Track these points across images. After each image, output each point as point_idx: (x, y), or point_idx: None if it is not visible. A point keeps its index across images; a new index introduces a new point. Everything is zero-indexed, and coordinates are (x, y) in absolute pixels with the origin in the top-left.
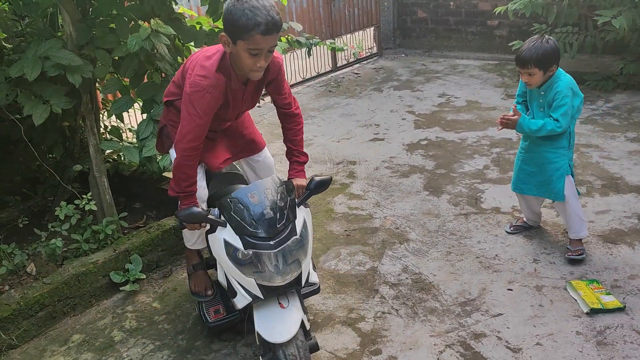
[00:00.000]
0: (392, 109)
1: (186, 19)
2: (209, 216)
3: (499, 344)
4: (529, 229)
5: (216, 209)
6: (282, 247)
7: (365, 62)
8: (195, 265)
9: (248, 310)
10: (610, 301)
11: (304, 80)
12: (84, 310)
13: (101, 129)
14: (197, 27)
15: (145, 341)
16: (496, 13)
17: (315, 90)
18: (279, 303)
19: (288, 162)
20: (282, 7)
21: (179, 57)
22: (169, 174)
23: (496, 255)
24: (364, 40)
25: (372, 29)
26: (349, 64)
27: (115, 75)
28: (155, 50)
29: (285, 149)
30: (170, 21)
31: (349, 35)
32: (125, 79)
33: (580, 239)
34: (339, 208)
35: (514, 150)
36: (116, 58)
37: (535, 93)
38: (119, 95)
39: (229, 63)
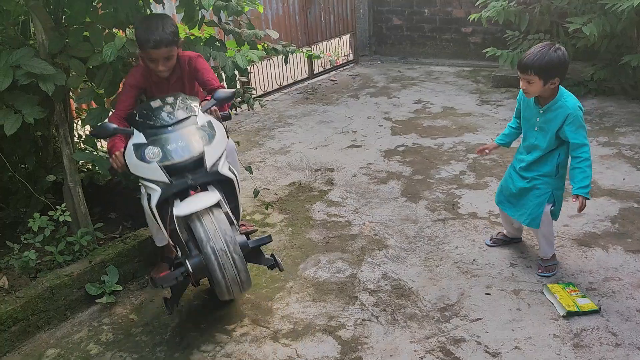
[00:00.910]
0: (369, 115)
1: None
2: (115, 127)
3: (478, 348)
4: (509, 242)
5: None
6: (178, 130)
7: (341, 69)
8: (166, 257)
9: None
10: (586, 304)
11: (281, 88)
12: (59, 323)
13: (75, 138)
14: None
15: (122, 354)
16: (470, 20)
17: (292, 97)
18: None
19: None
20: (258, 14)
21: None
22: None
23: (474, 260)
24: (340, 47)
25: (348, 36)
26: (325, 71)
27: (89, 84)
28: (132, 59)
29: None
30: None
31: (325, 43)
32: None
33: (549, 257)
34: (318, 215)
35: (490, 156)
36: (90, 67)
37: (533, 110)
38: (94, 105)
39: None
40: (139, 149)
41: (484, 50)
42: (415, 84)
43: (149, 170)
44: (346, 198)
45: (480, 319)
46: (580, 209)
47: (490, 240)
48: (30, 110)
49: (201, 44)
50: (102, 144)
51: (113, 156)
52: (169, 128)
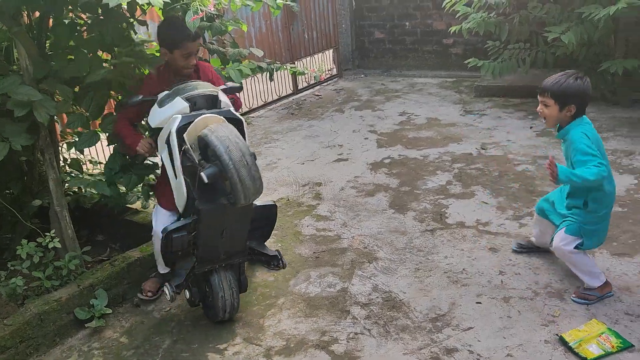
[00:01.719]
0: (354, 129)
1: (146, 48)
2: (142, 97)
3: (470, 357)
4: (536, 251)
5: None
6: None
7: (325, 83)
8: (161, 274)
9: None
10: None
11: (266, 104)
12: (48, 350)
13: (60, 162)
14: (157, 54)
15: None
16: (451, 32)
17: (277, 113)
18: None
19: None
20: (241, 33)
21: None
22: (133, 206)
23: (463, 269)
24: (323, 62)
25: (331, 51)
26: (309, 86)
27: (76, 108)
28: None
29: None
30: (132, 51)
31: (308, 58)
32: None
33: (594, 287)
34: (307, 230)
35: (475, 166)
36: (76, 90)
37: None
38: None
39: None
40: (162, 100)
41: (466, 61)
42: (399, 96)
43: (172, 107)
44: (335, 212)
45: (471, 328)
46: (548, 166)
47: (516, 245)
48: (18, 137)
49: None
50: (88, 166)
51: (140, 143)
52: (191, 85)
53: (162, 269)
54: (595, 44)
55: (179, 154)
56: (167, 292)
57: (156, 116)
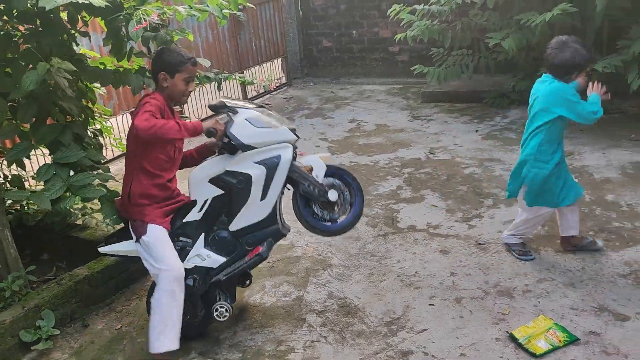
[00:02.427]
0: (305, 137)
1: (89, 60)
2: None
3: (425, 359)
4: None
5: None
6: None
7: (275, 92)
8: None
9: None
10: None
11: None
12: None
13: (1, 179)
14: (102, 67)
15: None
16: (396, 40)
17: None
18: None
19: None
20: (188, 43)
21: (83, 100)
22: (78, 221)
23: (416, 272)
24: (272, 71)
25: (279, 59)
26: (259, 95)
27: (13, 121)
28: (59, 91)
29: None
30: (72, 62)
31: (257, 67)
32: (25, 124)
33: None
34: None
35: (424, 170)
36: (12, 102)
37: None
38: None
39: (165, 101)
40: (254, 120)
41: (412, 68)
42: (349, 103)
43: (278, 134)
44: (288, 220)
45: (425, 329)
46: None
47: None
48: None
49: (133, 73)
50: (31, 182)
51: (214, 122)
52: (275, 114)
53: (175, 342)
54: (534, 48)
55: (283, 180)
56: (224, 311)
57: (250, 134)
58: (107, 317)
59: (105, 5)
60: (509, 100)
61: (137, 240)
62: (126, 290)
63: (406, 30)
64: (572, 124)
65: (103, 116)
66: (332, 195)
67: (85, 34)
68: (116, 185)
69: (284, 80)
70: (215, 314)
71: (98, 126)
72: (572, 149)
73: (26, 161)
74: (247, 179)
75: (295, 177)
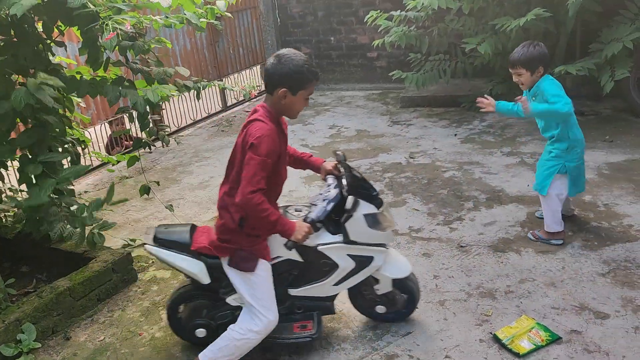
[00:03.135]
0: None
1: (65, 69)
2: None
3: None
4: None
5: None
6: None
7: (255, 99)
8: None
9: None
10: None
11: (195, 122)
12: None
13: None
14: (78, 76)
15: None
16: (374, 46)
17: (207, 131)
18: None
19: (305, 164)
20: (165, 51)
21: (60, 109)
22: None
23: None
24: (252, 78)
25: (258, 66)
26: (239, 103)
27: None
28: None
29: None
30: (49, 72)
31: (236, 75)
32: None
33: (551, 232)
34: None
35: (405, 174)
36: None
37: (529, 99)
38: None
39: (276, 115)
40: (370, 217)
41: (390, 74)
42: (328, 109)
43: (383, 237)
44: None
45: (410, 332)
46: (523, 101)
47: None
48: None
49: (109, 84)
50: (8, 193)
51: (298, 228)
52: (379, 201)
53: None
54: (509, 53)
55: (362, 280)
56: None
57: (361, 232)
58: (89, 329)
59: (83, 12)
60: None
61: (233, 266)
62: (109, 301)
63: (384, 36)
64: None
65: (81, 126)
66: (379, 310)
67: (61, 44)
68: (94, 195)
69: (263, 87)
70: None
71: (76, 135)
72: None
73: (4, 174)
74: (332, 266)
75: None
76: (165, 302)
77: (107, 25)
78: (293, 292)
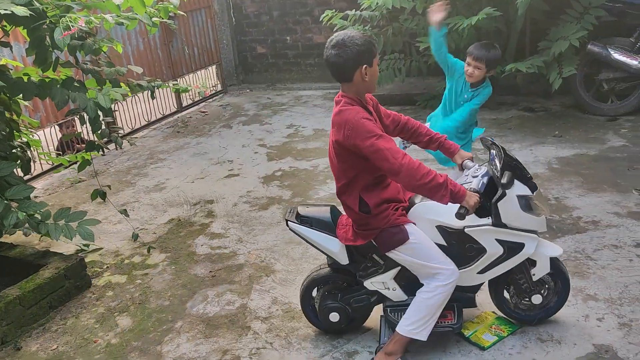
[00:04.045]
0: (243, 143)
1: (11, 71)
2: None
3: (371, 357)
4: None
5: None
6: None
7: (211, 99)
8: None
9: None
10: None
11: (149, 124)
12: None
13: None
14: (25, 78)
15: None
16: None
17: (162, 132)
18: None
19: (439, 146)
20: (117, 53)
21: (6, 112)
22: (8, 239)
23: None
24: (207, 78)
25: (214, 66)
26: (194, 103)
27: None
28: None
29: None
30: None
31: (191, 75)
32: None
33: None
34: (201, 249)
35: None
36: None
37: (463, 90)
38: None
39: (359, 98)
40: (523, 199)
41: None
42: (286, 109)
43: (535, 222)
44: (229, 228)
45: (370, 329)
46: None
47: None
48: None
49: (58, 86)
50: None
51: (476, 200)
52: (533, 184)
53: (426, 336)
54: (462, 51)
55: (510, 268)
56: None
57: (513, 215)
58: (41, 338)
59: (29, 14)
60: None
61: (388, 248)
62: (61, 308)
63: None
64: (500, 123)
65: (30, 129)
66: (536, 300)
67: (6, 45)
68: (45, 200)
69: (219, 87)
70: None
71: (25, 139)
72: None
73: None
74: (479, 250)
75: (515, 267)
76: (300, 286)
77: (61, 22)
78: None
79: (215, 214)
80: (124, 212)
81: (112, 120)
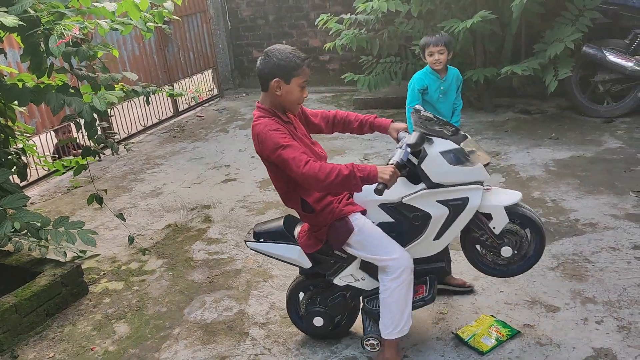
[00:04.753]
0: (240, 148)
1: (6, 77)
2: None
3: None
4: None
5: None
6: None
7: (207, 104)
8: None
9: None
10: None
11: (146, 129)
12: None
13: None
14: (20, 84)
15: None
16: (326, 49)
17: (158, 137)
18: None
19: (371, 127)
20: (113, 58)
21: (1, 119)
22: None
23: None
24: (203, 83)
25: (210, 71)
26: (191, 108)
27: None
28: None
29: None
30: None
31: (187, 80)
32: None
33: None
34: (199, 255)
35: None
36: None
37: (436, 82)
38: None
39: (274, 109)
40: (450, 154)
41: (343, 76)
42: None
43: (472, 173)
44: (226, 234)
45: None
46: None
47: None
48: None
49: (53, 91)
50: None
51: (384, 170)
52: (459, 136)
53: (407, 328)
54: (458, 54)
55: (463, 225)
56: (375, 344)
57: (442, 172)
58: (38, 346)
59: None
60: None
61: (339, 245)
62: (58, 316)
63: (335, 39)
64: (497, 125)
65: (25, 135)
66: (506, 252)
67: (0, 51)
68: (41, 206)
69: (215, 91)
70: (366, 345)
71: (20, 145)
72: (498, 150)
73: None
74: (424, 217)
75: (471, 225)
76: (285, 299)
77: (56, 30)
78: None
79: (212, 219)
80: (121, 217)
81: (108, 125)
